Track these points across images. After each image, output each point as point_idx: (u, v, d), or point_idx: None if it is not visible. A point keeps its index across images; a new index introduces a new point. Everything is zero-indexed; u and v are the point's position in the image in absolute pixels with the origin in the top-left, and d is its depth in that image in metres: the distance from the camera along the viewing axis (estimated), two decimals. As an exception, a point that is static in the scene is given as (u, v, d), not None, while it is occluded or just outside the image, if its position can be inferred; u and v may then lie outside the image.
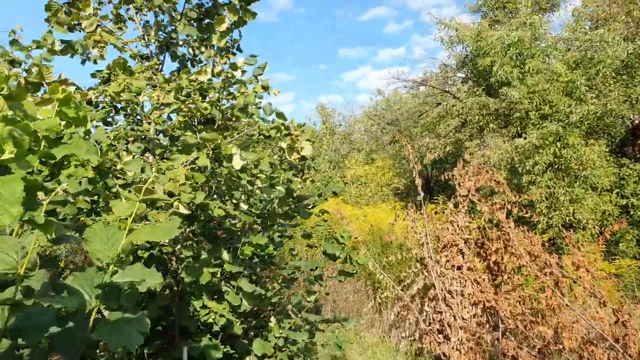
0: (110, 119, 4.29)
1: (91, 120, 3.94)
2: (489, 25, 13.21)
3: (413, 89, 18.26)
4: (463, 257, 5.84)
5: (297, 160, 2.74)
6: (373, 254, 7.27)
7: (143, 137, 4.04)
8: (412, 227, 6.16)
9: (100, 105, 3.99)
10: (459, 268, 5.82)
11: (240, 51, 3.37)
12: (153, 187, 1.61)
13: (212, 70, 3.21)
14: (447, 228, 5.98)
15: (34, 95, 2.24)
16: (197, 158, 2.98)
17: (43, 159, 1.47)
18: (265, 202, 3.53)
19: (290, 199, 3.23)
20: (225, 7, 2.68)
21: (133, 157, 4.10)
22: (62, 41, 3.70)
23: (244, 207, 3.52)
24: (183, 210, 2.61)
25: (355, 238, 6.27)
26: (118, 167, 3.38)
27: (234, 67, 2.96)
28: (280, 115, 2.73)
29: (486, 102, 12.41)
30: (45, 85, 2.29)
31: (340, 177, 19.95)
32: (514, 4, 13.43)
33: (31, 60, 3.62)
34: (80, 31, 3.71)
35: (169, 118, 4.24)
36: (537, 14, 12.61)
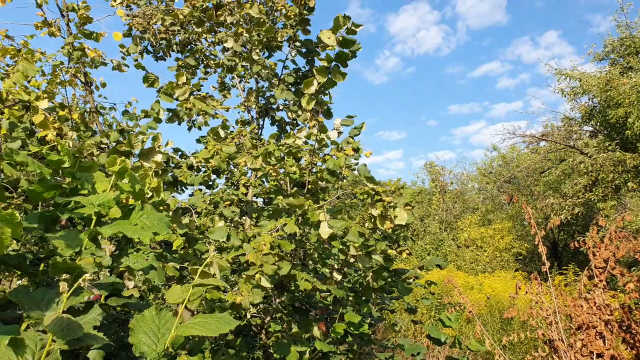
0: (211, 182, 4.36)
1: (191, 184, 4.01)
2: (619, 73, 11.94)
3: (532, 144, 16.96)
4: (604, 342, 4.87)
5: (391, 229, 2.41)
6: (491, 330, 6.43)
7: (241, 200, 4.01)
8: (537, 302, 5.34)
9: (203, 169, 4.07)
10: (600, 356, 4.84)
11: (331, 114, 3.22)
12: (210, 269, 1.41)
13: (308, 133, 3.08)
14: (581, 305, 5.08)
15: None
16: (285, 224, 2.79)
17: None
18: (360, 274, 3.20)
19: (387, 273, 2.88)
20: (314, 70, 2.54)
21: (229, 221, 4.07)
22: (169, 110, 3.88)
23: (338, 277, 3.23)
24: (265, 284, 2.39)
25: (470, 312, 5.59)
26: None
27: (323, 129, 2.79)
28: (369, 178, 2.46)
29: (622, 158, 10.98)
30: (134, 154, 2.28)
31: (452, 239, 18.80)
32: (650, 48, 12.07)
33: (138, 128, 3.83)
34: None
35: (267, 180, 4.20)
36: (680, 58, 11.16)
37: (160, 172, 2.03)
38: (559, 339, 5.11)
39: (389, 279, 2.94)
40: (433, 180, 23.72)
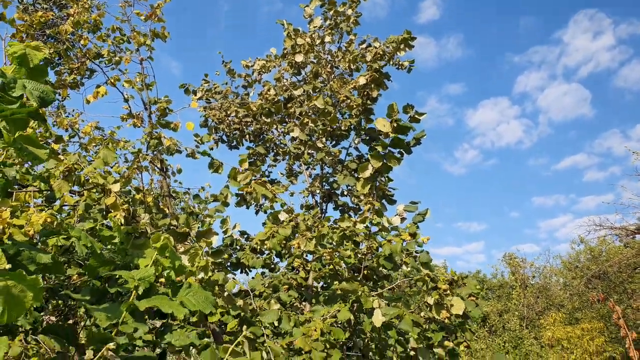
0: (273, 265, 4.40)
1: (253, 267, 4.07)
2: None
3: (626, 237, 15.51)
4: None
5: (447, 319, 2.26)
6: None
7: (300, 285, 3.99)
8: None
9: (265, 252, 4.14)
10: None
11: (392, 201, 3.22)
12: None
13: (363, 217, 3.07)
14: None
15: (185, 244, 2.35)
16: (338, 311, 2.71)
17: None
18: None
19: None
20: (370, 155, 2.60)
21: (288, 305, 4.02)
22: (237, 194, 4.06)
23: (397, 372, 3.02)
24: (313, 373, 2.29)
25: None
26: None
27: (378, 213, 2.78)
28: (425, 264, 2.37)
29: None
30: (191, 235, 2.39)
31: (534, 338, 17.05)
32: None
33: (207, 211, 4.02)
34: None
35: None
36: None
37: (213, 252, 2.09)
38: None
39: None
40: (513, 273, 22.16)
